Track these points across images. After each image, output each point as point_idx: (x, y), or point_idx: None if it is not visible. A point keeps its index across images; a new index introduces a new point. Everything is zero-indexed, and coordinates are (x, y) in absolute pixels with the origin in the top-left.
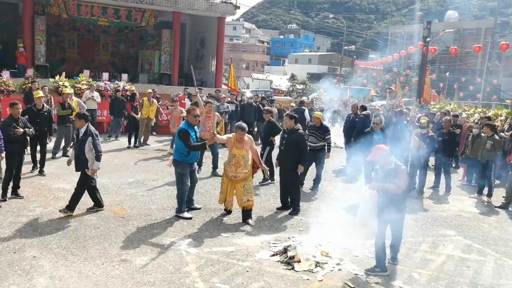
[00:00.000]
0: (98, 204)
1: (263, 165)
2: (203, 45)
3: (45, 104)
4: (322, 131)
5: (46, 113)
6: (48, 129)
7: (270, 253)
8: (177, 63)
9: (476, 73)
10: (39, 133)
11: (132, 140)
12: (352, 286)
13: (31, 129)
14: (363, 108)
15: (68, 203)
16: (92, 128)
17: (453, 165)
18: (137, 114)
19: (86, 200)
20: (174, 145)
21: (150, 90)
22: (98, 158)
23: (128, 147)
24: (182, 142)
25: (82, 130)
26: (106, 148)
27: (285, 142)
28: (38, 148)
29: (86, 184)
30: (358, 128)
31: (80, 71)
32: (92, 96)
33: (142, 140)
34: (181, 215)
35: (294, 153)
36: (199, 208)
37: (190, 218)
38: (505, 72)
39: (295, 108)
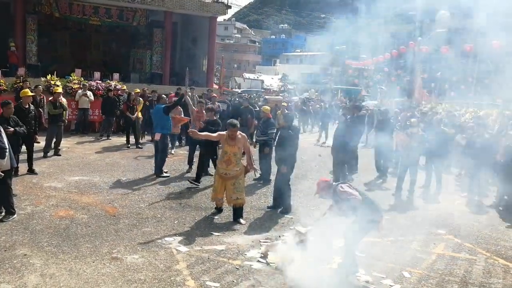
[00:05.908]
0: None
1: (254, 166)
2: (195, 44)
3: (30, 104)
4: (266, 125)
5: (32, 112)
6: (34, 129)
7: (260, 252)
8: (169, 62)
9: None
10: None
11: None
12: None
13: (22, 128)
14: (359, 108)
15: (5, 210)
16: None
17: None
18: (133, 114)
19: (83, 200)
20: (174, 144)
21: (138, 90)
22: (1, 155)
23: (128, 147)
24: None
25: None
26: (97, 147)
27: (277, 141)
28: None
29: (4, 182)
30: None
31: (71, 70)
32: (85, 93)
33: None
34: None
35: (281, 152)
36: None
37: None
38: (496, 72)
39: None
